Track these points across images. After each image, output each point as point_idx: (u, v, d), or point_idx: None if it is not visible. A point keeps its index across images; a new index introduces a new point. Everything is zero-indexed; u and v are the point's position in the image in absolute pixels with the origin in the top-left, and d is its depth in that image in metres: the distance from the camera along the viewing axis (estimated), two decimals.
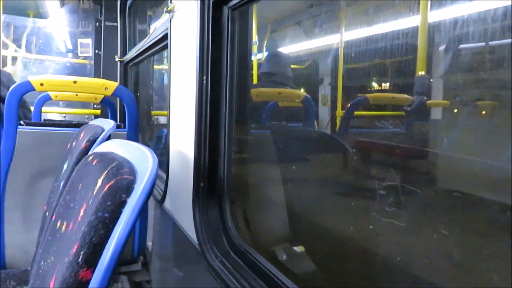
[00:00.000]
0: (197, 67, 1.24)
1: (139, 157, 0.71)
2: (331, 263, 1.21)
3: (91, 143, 1.16)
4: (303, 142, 1.65)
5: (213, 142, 1.25)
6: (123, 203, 0.55)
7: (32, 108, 2.66)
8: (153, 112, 3.63)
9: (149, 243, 2.07)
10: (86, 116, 4.03)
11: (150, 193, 0.57)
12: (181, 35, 1.48)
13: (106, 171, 0.68)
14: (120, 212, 0.54)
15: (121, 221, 0.53)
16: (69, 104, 3.98)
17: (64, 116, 3.94)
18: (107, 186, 0.58)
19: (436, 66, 1.15)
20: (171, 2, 1.55)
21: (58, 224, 0.85)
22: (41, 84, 1.72)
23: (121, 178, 0.59)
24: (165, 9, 1.57)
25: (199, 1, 1.21)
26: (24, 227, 1.83)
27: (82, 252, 0.52)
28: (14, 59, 5.20)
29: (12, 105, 1.71)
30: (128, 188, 0.57)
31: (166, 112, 1.77)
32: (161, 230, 1.85)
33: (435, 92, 1.16)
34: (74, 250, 0.53)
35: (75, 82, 1.76)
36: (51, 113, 3.86)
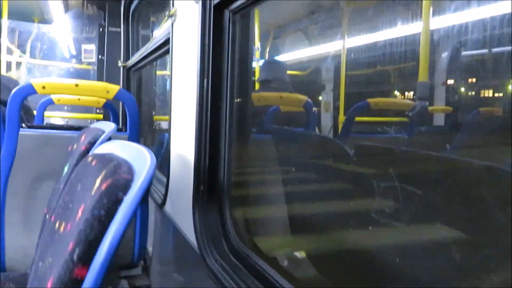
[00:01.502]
0: (198, 69, 1.24)
1: (137, 156, 0.71)
2: (330, 265, 1.20)
3: (91, 145, 1.16)
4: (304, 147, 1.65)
5: (213, 145, 1.25)
6: (119, 201, 0.55)
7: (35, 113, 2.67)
8: (155, 117, 3.64)
9: (150, 248, 2.06)
10: (89, 121, 4.04)
11: (147, 191, 0.57)
12: (182, 39, 1.49)
13: (105, 170, 0.67)
14: (116, 210, 0.54)
15: (117, 218, 0.53)
16: (72, 109, 4.01)
17: (67, 121, 3.96)
18: (104, 185, 0.58)
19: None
20: (173, 6, 1.56)
21: (57, 225, 0.85)
22: (43, 87, 1.73)
23: (119, 177, 0.59)
24: (167, 13, 1.58)
25: (200, 5, 1.22)
26: (24, 230, 1.83)
27: (77, 250, 0.52)
28: (18, 64, 5.25)
29: (14, 108, 1.71)
30: (126, 187, 0.57)
31: (168, 117, 1.77)
32: (162, 234, 1.85)
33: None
34: (70, 248, 0.53)
35: (77, 85, 1.77)
36: (53, 117, 3.88)
